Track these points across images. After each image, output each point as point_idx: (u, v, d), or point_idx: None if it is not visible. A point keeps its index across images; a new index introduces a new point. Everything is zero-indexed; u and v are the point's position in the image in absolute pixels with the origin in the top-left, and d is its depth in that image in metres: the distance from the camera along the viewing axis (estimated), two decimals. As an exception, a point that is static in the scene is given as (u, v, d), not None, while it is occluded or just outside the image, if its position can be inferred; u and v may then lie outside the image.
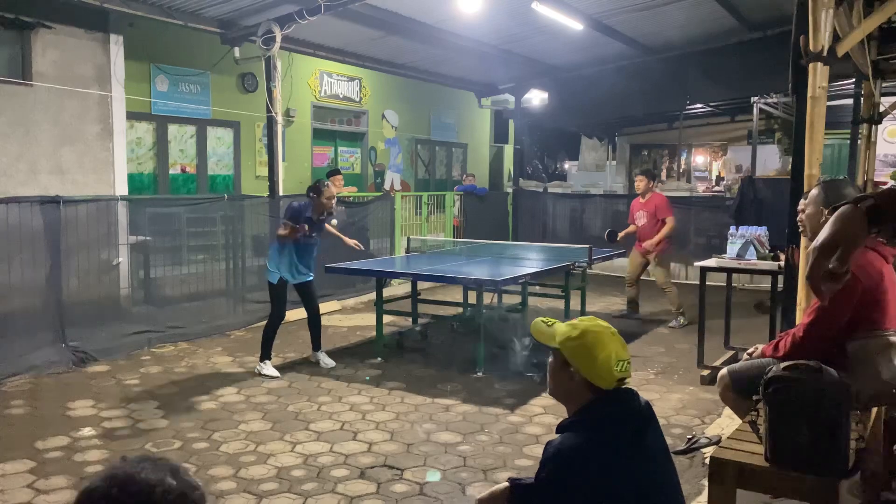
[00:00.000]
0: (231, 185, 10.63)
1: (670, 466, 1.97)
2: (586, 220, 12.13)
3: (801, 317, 3.60)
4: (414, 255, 7.96)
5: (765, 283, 7.88)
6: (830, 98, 4.70)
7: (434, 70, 11.66)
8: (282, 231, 5.73)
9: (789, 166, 4.64)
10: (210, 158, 10.36)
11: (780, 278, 5.07)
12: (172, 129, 9.83)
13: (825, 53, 3.74)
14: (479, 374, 5.80)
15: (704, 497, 3.08)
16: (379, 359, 6.25)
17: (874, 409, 3.06)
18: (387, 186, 13.15)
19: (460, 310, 7.64)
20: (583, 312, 7.36)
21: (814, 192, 3.09)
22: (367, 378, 5.73)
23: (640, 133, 15.50)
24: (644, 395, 2.01)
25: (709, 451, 3.71)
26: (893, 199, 1.40)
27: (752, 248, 5.54)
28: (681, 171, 15.40)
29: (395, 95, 13.49)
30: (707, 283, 5.78)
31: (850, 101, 8.30)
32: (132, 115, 8.54)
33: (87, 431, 4.53)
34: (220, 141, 10.51)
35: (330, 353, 6.25)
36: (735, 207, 10.11)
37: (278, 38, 7.85)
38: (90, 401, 5.13)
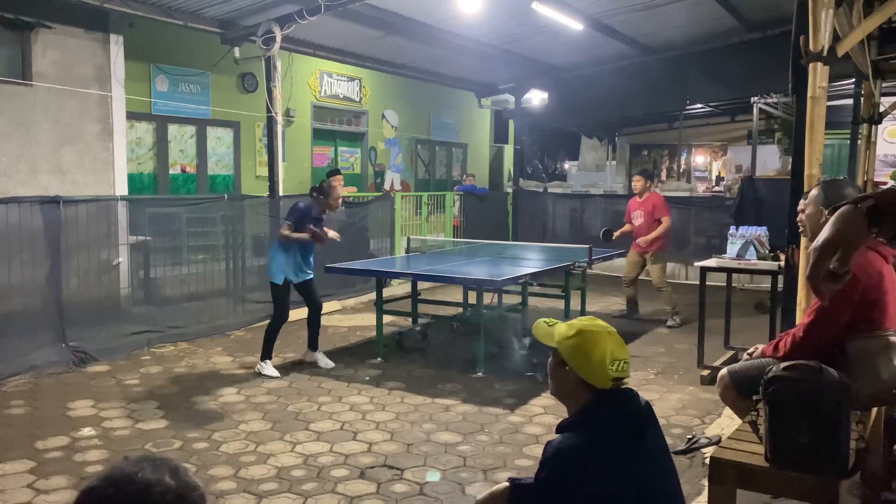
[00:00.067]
0: (231, 185, 10.63)
1: (670, 466, 1.97)
2: (586, 220, 12.13)
3: (801, 317, 3.60)
4: (414, 255, 7.96)
5: (765, 283, 7.88)
6: (830, 98, 4.70)
7: (434, 70, 11.66)
8: (304, 235, 5.72)
9: (789, 166, 4.65)
10: (210, 158, 10.36)
11: (780, 278, 5.08)
12: (172, 129, 9.83)
13: (825, 53, 3.74)
14: (479, 374, 5.80)
15: (704, 497, 3.08)
16: (379, 359, 6.25)
17: (874, 409, 3.06)
18: (387, 186, 13.15)
19: (460, 310, 7.64)
20: (583, 312, 7.36)
21: (814, 192, 3.09)
22: (367, 378, 5.73)
23: (640, 133, 15.50)
24: (644, 395, 2.02)
25: (709, 451, 3.71)
26: (893, 199, 1.40)
27: (752, 248, 5.54)
28: (681, 171, 15.41)
29: (395, 95, 13.49)
30: (707, 283, 5.78)
31: (850, 101, 8.31)
32: (132, 115, 8.54)
33: (87, 431, 4.53)
34: (220, 141, 10.51)
35: (330, 353, 6.26)
36: (735, 207, 10.11)
37: (278, 38, 7.85)
38: (90, 401, 5.13)
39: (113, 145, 7.55)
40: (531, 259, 7.61)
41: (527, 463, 4.06)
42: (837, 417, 2.36)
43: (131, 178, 8.55)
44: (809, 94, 3.81)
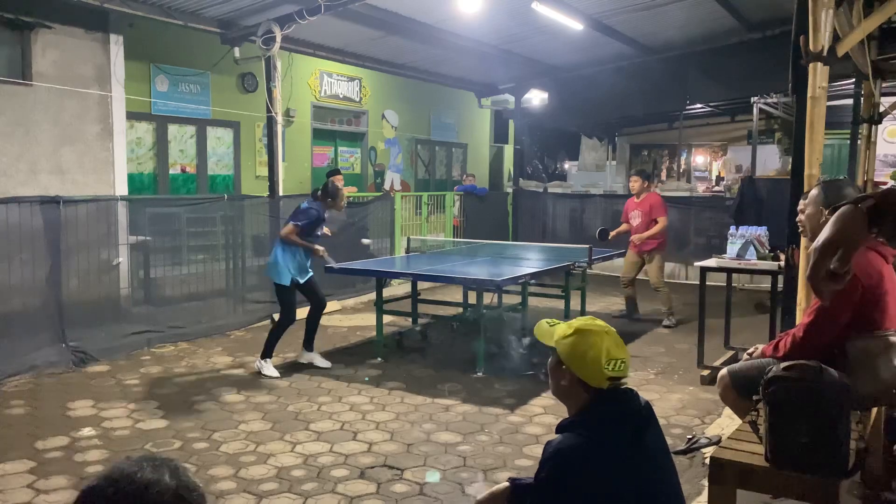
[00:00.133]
0: (231, 185, 10.63)
1: (670, 466, 1.98)
2: (586, 220, 12.12)
3: (801, 317, 3.60)
4: (414, 255, 7.97)
5: (765, 283, 7.88)
6: (830, 98, 4.70)
7: (434, 70, 11.66)
8: (312, 248, 5.77)
9: (789, 166, 4.64)
10: (210, 158, 10.36)
11: (780, 278, 5.08)
12: (172, 129, 9.83)
13: (825, 53, 3.74)
14: (479, 374, 5.80)
15: (704, 497, 3.08)
16: (379, 359, 6.25)
17: (874, 409, 3.06)
18: (387, 186, 13.15)
19: (460, 310, 7.64)
20: (583, 312, 7.36)
21: (814, 192, 3.09)
22: (367, 378, 5.73)
23: (640, 133, 15.51)
24: (644, 395, 2.02)
25: (709, 451, 3.71)
26: (893, 199, 1.40)
27: (752, 248, 5.54)
28: (681, 171, 15.41)
29: (395, 95, 13.49)
30: (707, 283, 5.78)
31: (850, 101, 8.31)
32: (132, 115, 8.54)
33: (87, 431, 4.53)
34: (220, 141, 10.51)
35: (330, 354, 6.26)
36: (735, 207, 10.11)
37: (278, 38, 7.85)
38: (90, 401, 5.13)
39: (113, 145, 7.55)
40: (531, 259, 7.60)
41: (527, 463, 4.06)
42: (837, 417, 2.36)
43: (131, 178, 8.56)
44: (809, 94, 3.81)
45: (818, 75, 3.77)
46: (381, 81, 12.88)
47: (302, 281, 5.88)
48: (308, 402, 5.12)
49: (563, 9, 8.27)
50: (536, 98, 13.14)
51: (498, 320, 7.26)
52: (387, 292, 6.76)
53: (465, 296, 7.58)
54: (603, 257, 7.51)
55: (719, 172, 14.62)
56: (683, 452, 4.11)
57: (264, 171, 9.21)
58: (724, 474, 2.55)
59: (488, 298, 7.03)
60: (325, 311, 6.26)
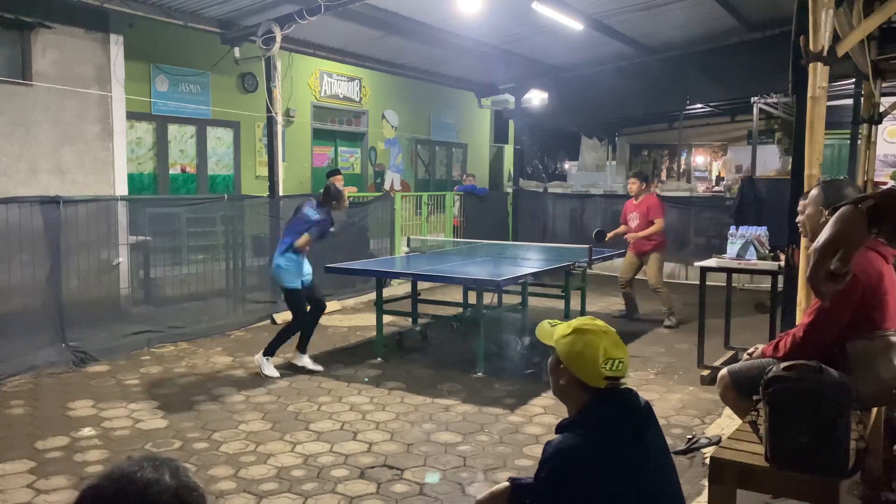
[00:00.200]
0: (231, 185, 10.63)
1: (670, 466, 1.98)
2: (586, 220, 12.13)
3: (801, 317, 3.60)
4: (414, 255, 7.96)
5: (765, 283, 7.88)
6: (830, 98, 4.70)
7: (434, 70, 11.65)
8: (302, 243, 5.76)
9: (789, 166, 4.65)
10: (210, 158, 10.36)
11: (780, 278, 5.08)
12: (172, 129, 9.83)
13: (825, 53, 3.74)
14: (479, 374, 5.80)
15: (704, 497, 3.08)
16: (379, 359, 6.25)
17: (874, 409, 3.06)
18: (387, 186, 13.15)
19: (460, 310, 7.64)
20: (583, 312, 7.36)
21: (814, 192, 3.09)
22: (367, 378, 5.73)
23: (640, 133, 15.51)
24: (644, 395, 2.02)
25: (709, 451, 3.71)
26: (893, 199, 1.40)
27: (752, 248, 5.54)
28: (681, 171, 15.41)
29: (395, 95, 13.49)
30: (707, 283, 5.78)
31: (850, 101, 8.32)
32: (132, 115, 8.54)
33: (87, 431, 4.53)
34: (220, 141, 10.51)
35: (330, 354, 6.26)
36: (735, 207, 10.11)
37: (278, 38, 7.85)
38: (90, 401, 5.13)
39: (113, 145, 7.55)
40: (531, 259, 7.60)
41: (527, 463, 4.05)
42: (837, 417, 2.36)
43: (131, 178, 8.56)
44: (809, 94, 3.81)
45: (818, 75, 3.77)
46: (381, 81, 12.88)
47: (308, 284, 5.93)
48: (308, 402, 5.12)
49: (563, 9, 8.27)
50: (536, 98, 13.14)
51: (498, 320, 7.26)
52: (387, 292, 6.76)
53: (465, 296, 7.58)
54: (603, 257, 7.51)
55: (719, 172, 14.62)
56: (683, 452, 4.11)
57: (264, 171, 9.21)
58: (724, 474, 2.55)
59: (488, 298, 7.03)
60: (326, 311, 6.27)
